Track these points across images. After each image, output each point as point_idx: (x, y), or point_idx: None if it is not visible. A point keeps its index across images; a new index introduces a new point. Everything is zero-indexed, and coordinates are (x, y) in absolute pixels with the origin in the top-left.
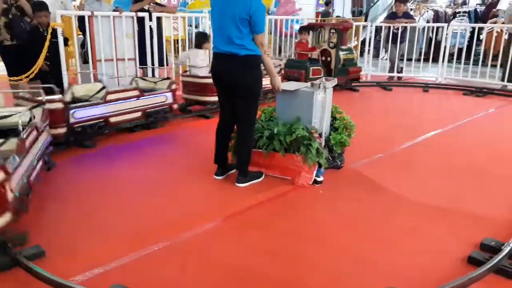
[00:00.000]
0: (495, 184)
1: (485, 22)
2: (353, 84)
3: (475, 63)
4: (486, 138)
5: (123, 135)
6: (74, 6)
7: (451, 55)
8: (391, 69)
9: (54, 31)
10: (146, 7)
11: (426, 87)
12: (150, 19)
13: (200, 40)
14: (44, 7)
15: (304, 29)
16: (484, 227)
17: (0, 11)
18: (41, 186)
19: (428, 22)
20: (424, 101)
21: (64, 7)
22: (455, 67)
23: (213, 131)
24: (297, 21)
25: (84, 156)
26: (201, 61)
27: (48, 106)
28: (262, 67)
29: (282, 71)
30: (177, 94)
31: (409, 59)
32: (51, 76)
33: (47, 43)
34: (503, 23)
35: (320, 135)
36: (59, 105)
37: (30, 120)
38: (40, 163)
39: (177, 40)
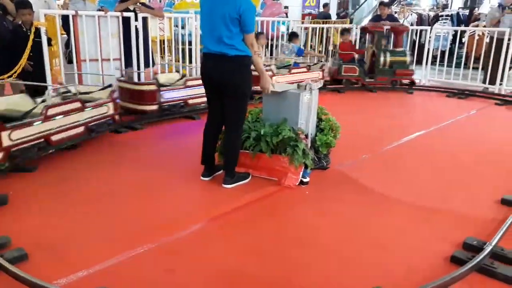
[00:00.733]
0: (478, 184)
1: (468, 26)
2: (401, 86)
3: (458, 65)
4: (468, 139)
5: (104, 136)
6: (58, 5)
7: (434, 57)
8: None
9: (38, 31)
10: (131, 7)
11: (410, 89)
12: (136, 19)
13: None
14: (28, 5)
15: (346, 31)
16: (467, 227)
17: None
18: (23, 187)
19: (412, 25)
20: (409, 102)
21: (48, 6)
22: (438, 69)
23: (200, 132)
24: (283, 23)
25: (67, 158)
26: None
27: None
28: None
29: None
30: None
31: None
32: (34, 76)
33: (30, 43)
34: (484, 26)
35: (306, 136)
36: None
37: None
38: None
39: (163, 41)
